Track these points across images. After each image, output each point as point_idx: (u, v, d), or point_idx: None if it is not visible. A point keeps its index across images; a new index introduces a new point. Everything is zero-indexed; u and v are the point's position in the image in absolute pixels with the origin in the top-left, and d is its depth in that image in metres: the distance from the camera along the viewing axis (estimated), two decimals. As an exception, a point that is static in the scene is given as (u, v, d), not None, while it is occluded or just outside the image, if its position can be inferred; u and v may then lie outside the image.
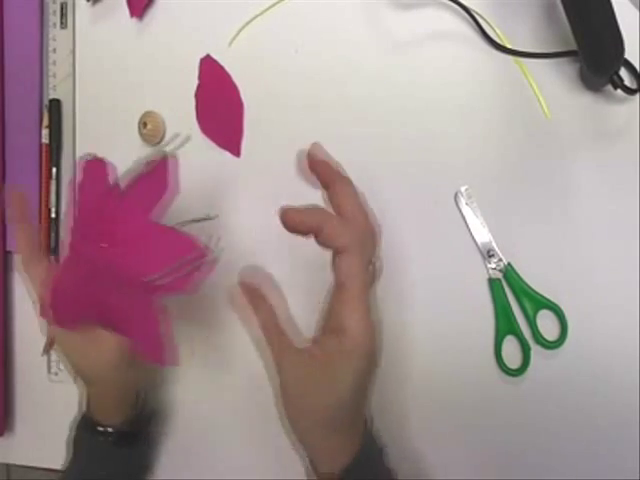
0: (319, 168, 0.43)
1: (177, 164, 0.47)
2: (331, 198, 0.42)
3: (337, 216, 0.41)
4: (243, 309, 0.44)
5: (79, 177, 0.49)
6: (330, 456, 0.42)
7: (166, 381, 0.61)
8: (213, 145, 0.59)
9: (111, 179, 0.48)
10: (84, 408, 0.53)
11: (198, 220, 0.54)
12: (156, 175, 0.47)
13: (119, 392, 0.52)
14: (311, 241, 0.42)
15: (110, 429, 0.52)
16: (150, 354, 0.47)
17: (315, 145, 0.44)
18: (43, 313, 0.48)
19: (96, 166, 0.49)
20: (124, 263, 0.46)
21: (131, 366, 0.50)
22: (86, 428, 0.53)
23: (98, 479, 0.53)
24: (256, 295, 0.45)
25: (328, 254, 0.42)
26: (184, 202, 0.60)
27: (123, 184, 0.48)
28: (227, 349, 0.59)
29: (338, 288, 0.40)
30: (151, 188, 0.47)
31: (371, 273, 0.43)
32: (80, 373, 0.51)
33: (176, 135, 0.47)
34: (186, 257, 0.45)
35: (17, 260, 0.51)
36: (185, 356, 0.60)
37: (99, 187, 0.48)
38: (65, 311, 0.47)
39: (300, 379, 0.40)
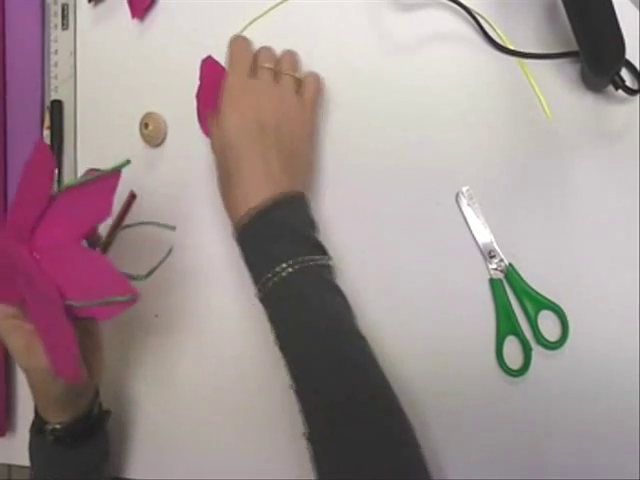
0: None
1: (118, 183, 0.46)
2: None
3: None
4: None
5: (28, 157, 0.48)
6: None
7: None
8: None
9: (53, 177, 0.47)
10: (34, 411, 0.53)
11: (158, 224, 0.54)
12: (100, 191, 0.46)
13: (57, 393, 0.50)
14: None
15: (58, 426, 0.51)
16: (53, 365, 0.46)
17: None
18: None
19: (44, 154, 0.48)
20: (50, 279, 0.45)
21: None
22: (35, 429, 0.53)
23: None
24: None
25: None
26: (186, 203, 0.60)
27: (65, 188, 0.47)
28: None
29: None
30: (91, 203, 0.46)
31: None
32: (24, 371, 0.51)
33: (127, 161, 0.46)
34: (113, 295, 0.44)
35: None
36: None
37: (43, 179, 0.47)
38: None
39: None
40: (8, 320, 0.49)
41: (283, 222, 0.48)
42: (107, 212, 0.46)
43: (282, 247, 0.47)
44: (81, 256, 0.46)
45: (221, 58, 0.58)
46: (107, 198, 0.45)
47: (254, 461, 0.58)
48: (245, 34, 0.58)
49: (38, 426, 0.52)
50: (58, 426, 0.51)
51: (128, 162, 0.46)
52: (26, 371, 0.50)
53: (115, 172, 0.46)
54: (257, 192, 0.48)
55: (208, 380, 0.59)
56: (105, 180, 0.46)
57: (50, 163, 0.48)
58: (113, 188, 0.46)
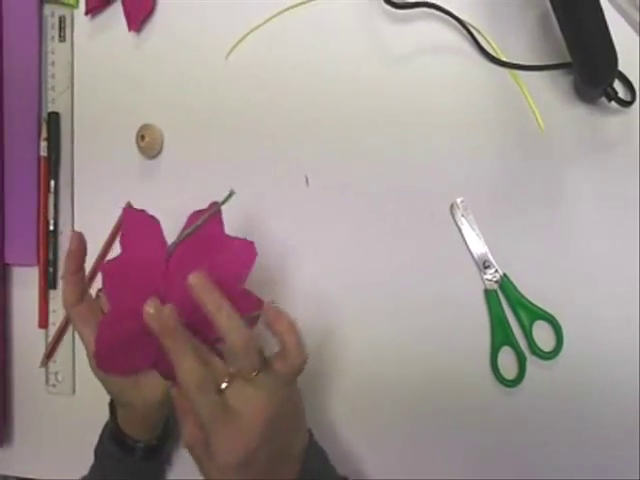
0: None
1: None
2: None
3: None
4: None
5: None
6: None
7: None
8: (211, 155, 0.59)
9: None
10: (111, 421, 0.52)
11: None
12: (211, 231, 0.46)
13: (151, 418, 0.52)
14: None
15: (141, 444, 0.52)
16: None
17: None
18: (92, 360, 0.46)
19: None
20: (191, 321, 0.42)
21: (168, 401, 0.48)
22: (113, 440, 0.52)
23: None
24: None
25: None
26: (183, 215, 0.60)
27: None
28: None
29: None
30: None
31: None
32: (116, 401, 0.51)
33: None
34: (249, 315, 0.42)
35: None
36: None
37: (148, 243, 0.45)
38: (115, 359, 0.46)
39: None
40: None
41: None
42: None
43: None
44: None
45: (217, 70, 0.59)
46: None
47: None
48: (242, 46, 0.58)
49: (126, 444, 0.52)
50: (154, 442, 0.53)
51: None
52: (123, 405, 0.51)
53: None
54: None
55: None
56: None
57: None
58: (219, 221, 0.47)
